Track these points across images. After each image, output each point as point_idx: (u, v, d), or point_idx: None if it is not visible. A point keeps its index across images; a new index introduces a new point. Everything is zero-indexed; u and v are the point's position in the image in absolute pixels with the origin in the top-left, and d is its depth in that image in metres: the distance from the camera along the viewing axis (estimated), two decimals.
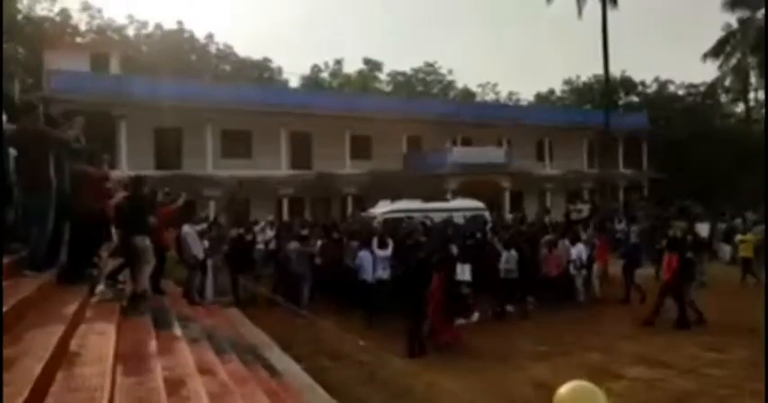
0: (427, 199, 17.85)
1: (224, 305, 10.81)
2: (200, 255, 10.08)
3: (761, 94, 37.33)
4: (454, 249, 10.69)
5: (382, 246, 10.67)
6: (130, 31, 33.62)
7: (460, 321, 9.67)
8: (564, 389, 2.06)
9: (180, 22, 34.44)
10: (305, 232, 13.37)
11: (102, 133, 18.84)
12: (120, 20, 34.04)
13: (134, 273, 6.97)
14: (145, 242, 6.79)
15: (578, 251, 11.63)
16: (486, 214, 17.30)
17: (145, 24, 34.09)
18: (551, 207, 27.87)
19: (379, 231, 11.51)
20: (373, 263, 10.58)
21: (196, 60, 34.25)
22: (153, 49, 32.10)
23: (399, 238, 11.29)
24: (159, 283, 8.49)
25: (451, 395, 6.55)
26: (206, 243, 11.29)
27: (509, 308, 10.95)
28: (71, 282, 5.55)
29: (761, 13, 32.14)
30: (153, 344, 4.88)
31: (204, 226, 12.18)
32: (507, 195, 26.65)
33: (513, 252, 10.70)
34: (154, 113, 19.90)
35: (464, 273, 10.07)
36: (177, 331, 6.07)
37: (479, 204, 17.60)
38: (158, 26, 34.08)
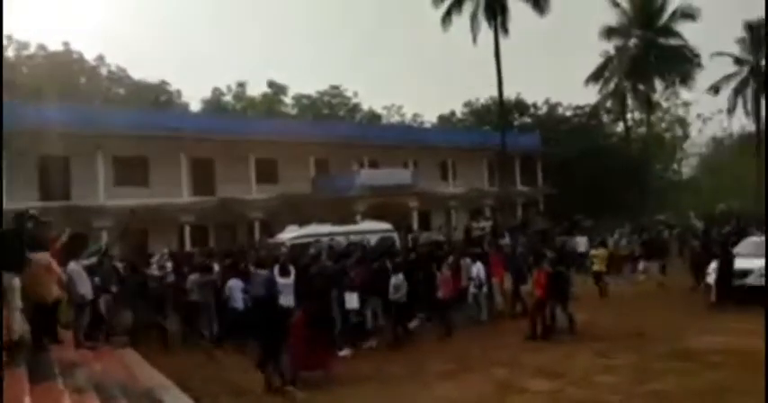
0: (336, 222, 17.83)
1: (117, 345, 10.04)
2: (89, 294, 9.33)
3: (637, 115, 41.11)
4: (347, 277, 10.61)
5: (284, 273, 10.49)
6: (9, 53, 31.11)
7: (346, 352, 9.71)
8: None
9: (66, 44, 32.39)
10: (208, 262, 12.87)
11: None
12: None
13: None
14: (12, 281, 6.19)
15: (477, 269, 11.87)
16: (395, 235, 17.54)
17: (26, 45, 31.72)
18: (457, 224, 28.85)
19: (281, 258, 11.30)
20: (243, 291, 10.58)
21: (85, 83, 32.28)
22: (35, 72, 29.87)
23: (303, 265, 11.14)
24: (40, 330, 7.75)
25: None
26: (96, 279, 10.54)
27: (412, 324, 11.05)
28: None
29: (632, 42, 35.56)
30: (27, 401, 4.42)
31: (94, 259, 11.34)
32: (415, 215, 27.18)
33: (401, 275, 10.58)
34: (37, 141, 18.42)
35: (351, 301, 10.06)
36: (58, 382, 5.54)
37: (387, 226, 17.82)
38: (42, 47, 31.84)
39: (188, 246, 20.84)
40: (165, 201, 21.12)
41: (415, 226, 26.52)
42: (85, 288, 9.29)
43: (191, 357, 9.53)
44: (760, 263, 11.56)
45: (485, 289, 11.96)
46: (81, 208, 19.04)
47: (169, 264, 13.35)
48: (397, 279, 10.51)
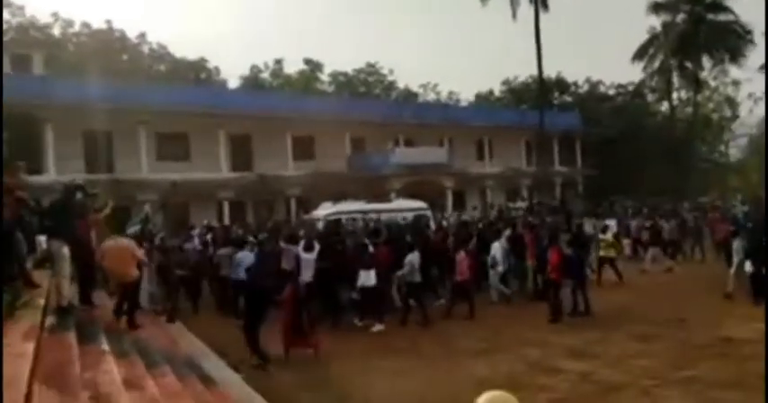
0: (371, 199, 17.94)
1: (159, 313, 10.45)
2: None
3: (683, 94, 39.60)
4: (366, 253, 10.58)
5: (308, 248, 10.71)
6: (56, 30, 31.94)
7: (378, 327, 9.83)
8: (482, 400, 2.10)
9: (109, 21, 33.03)
10: (242, 236, 13.21)
11: (27, 136, 17.89)
12: (45, 18, 32.25)
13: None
14: (62, 249, 6.47)
15: (494, 249, 11.72)
16: (429, 213, 17.51)
17: (71, 23, 32.48)
18: (493, 203, 28.60)
19: (310, 234, 11.55)
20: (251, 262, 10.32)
21: (127, 60, 32.93)
22: (80, 49, 30.66)
23: (330, 241, 11.28)
24: (90, 295, 8.13)
25: (394, 397, 6.59)
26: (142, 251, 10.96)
27: (438, 302, 11.19)
28: None
29: (680, 18, 34.08)
30: (76, 363, 4.65)
31: (137, 227, 11.66)
32: (450, 194, 27.07)
33: (416, 254, 10.38)
34: (82, 116, 19.01)
35: (369, 278, 10.03)
36: (105, 346, 5.81)
37: (422, 204, 17.81)
38: (86, 24, 32.58)
39: (227, 221, 21.32)
40: (205, 177, 21.60)
41: (450, 205, 26.45)
42: None
43: (228, 326, 9.80)
44: None
45: (500, 268, 11.73)
46: (125, 181, 19.65)
47: (209, 237, 13.73)
48: (412, 257, 10.28)
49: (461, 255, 10.96)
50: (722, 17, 33.38)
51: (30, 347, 4.35)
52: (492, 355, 8.21)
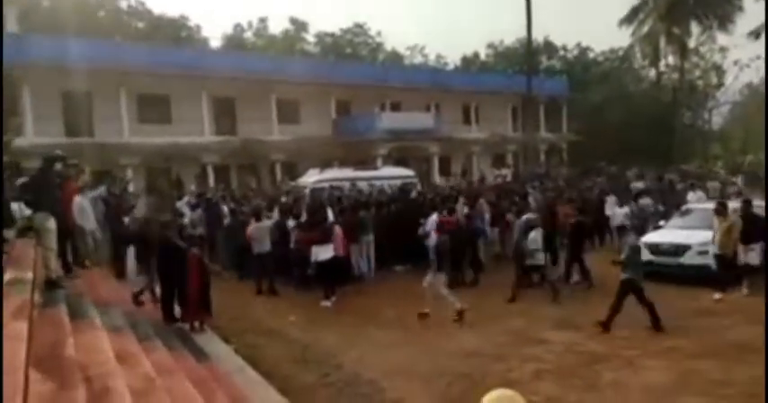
0: (357, 167, 17.85)
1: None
2: (92, 226, 9.33)
3: (671, 60, 39.47)
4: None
5: (296, 217, 11.12)
6: None
7: (326, 303, 9.69)
8: (488, 399, 2.14)
9: None
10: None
11: (3, 97, 17.26)
12: None
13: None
14: (46, 222, 6.36)
15: (429, 223, 11.50)
16: (416, 181, 17.51)
17: None
18: (478, 170, 28.65)
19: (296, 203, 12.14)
20: None
21: (104, 17, 31.72)
22: (55, 4, 29.38)
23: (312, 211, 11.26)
24: (69, 263, 8.04)
25: (385, 369, 6.72)
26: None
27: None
28: None
29: None
30: (70, 341, 4.64)
31: (102, 190, 11.21)
32: (436, 160, 27.02)
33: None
34: (60, 76, 18.35)
35: (324, 252, 9.90)
36: (97, 320, 5.80)
37: (409, 172, 17.81)
38: None
39: (211, 185, 21.06)
40: (188, 140, 21.20)
41: (436, 171, 26.46)
42: (89, 221, 9.33)
43: (218, 297, 9.86)
44: (701, 236, 9.95)
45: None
46: (106, 145, 19.22)
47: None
48: None
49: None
50: None
51: (23, 327, 4.31)
52: (481, 326, 8.37)
